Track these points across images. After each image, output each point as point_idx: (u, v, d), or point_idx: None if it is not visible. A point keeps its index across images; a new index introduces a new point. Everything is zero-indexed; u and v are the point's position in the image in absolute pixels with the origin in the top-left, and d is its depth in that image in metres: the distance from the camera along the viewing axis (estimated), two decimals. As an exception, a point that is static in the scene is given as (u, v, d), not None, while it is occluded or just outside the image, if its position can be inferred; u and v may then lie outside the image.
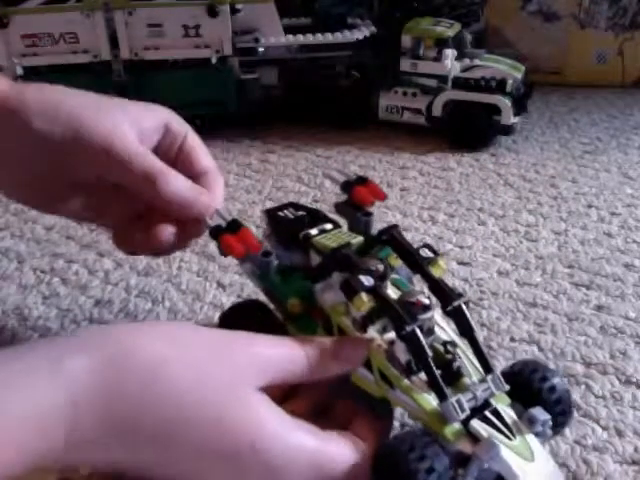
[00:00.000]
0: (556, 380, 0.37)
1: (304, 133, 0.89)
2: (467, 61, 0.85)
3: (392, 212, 0.69)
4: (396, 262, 0.41)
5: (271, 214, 0.46)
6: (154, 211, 0.42)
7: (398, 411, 0.40)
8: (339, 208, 0.46)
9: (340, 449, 0.34)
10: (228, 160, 0.82)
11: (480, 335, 0.49)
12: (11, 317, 0.53)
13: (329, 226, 0.43)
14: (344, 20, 0.93)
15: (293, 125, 0.91)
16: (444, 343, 0.37)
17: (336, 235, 0.42)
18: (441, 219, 0.68)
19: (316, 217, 0.45)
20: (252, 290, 0.56)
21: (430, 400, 0.35)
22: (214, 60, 0.84)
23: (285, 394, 0.37)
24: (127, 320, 0.53)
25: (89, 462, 0.32)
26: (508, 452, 0.33)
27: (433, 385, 0.35)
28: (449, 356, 0.36)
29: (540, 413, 0.35)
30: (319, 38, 0.87)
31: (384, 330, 0.38)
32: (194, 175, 0.43)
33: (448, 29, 0.85)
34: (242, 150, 0.85)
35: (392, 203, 0.71)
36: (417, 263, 0.39)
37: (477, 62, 0.85)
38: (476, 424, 0.34)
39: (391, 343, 0.37)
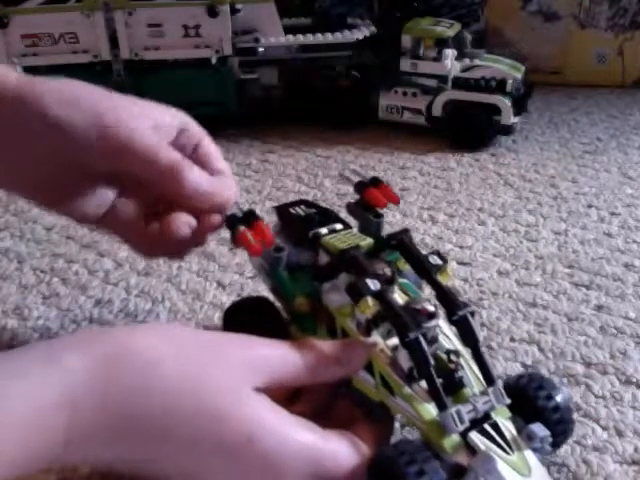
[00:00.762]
0: (560, 399, 0.37)
1: (304, 133, 0.89)
2: (467, 61, 0.85)
3: (392, 212, 0.69)
4: (405, 266, 0.41)
5: (282, 211, 0.46)
6: (170, 208, 0.42)
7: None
8: (351, 208, 0.46)
9: (340, 447, 0.34)
10: (228, 160, 0.81)
11: (480, 335, 0.49)
12: (11, 317, 0.53)
13: (339, 226, 0.43)
14: (344, 20, 0.93)
15: (293, 125, 0.91)
16: (447, 352, 0.37)
17: (346, 236, 0.42)
18: (441, 219, 0.68)
19: (327, 216, 0.44)
20: (252, 289, 0.56)
21: (430, 409, 0.35)
22: (214, 60, 0.84)
23: (288, 398, 0.37)
24: (127, 320, 0.53)
25: (88, 460, 0.32)
26: (505, 466, 0.33)
27: (433, 394, 0.34)
28: (452, 365, 0.36)
29: (539, 429, 0.35)
30: (319, 38, 0.87)
31: (388, 334, 0.38)
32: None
33: (448, 29, 0.85)
34: (242, 150, 0.85)
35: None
36: (425, 270, 0.39)
37: (477, 62, 0.85)
38: (474, 436, 0.34)
39: (394, 349, 0.37)
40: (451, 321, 0.37)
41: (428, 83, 0.85)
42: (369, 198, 0.45)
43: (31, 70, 0.81)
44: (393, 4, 0.99)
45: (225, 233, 0.42)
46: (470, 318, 0.37)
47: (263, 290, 0.48)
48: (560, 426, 0.37)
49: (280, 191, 0.74)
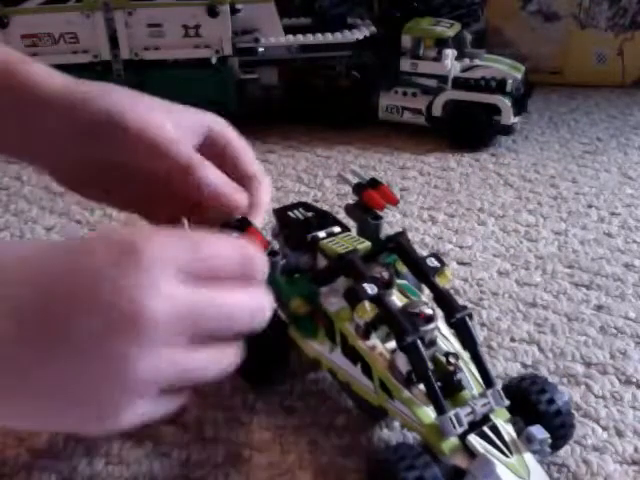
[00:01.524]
0: (561, 402, 0.37)
1: (304, 133, 0.89)
2: (467, 61, 0.84)
3: (392, 212, 0.69)
4: (403, 268, 0.41)
5: (280, 214, 0.46)
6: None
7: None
8: (349, 210, 0.46)
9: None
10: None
11: (480, 335, 0.49)
12: (11, 317, 0.53)
13: (337, 229, 0.43)
14: (344, 20, 0.93)
15: (293, 125, 0.91)
16: (446, 354, 0.37)
17: (344, 239, 0.42)
18: (441, 219, 0.68)
19: (325, 219, 0.44)
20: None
21: (429, 413, 0.35)
22: (214, 60, 0.84)
23: None
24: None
25: None
26: (503, 469, 0.33)
27: (432, 398, 0.35)
28: (450, 368, 0.36)
29: (539, 432, 0.35)
30: (319, 38, 0.87)
31: (387, 337, 0.38)
32: (238, 180, 0.42)
33: (448, 29, 0.85)
34: (242, 150, 0.85)
35: (392, 203, 0.71)
36: (423, 273, 0.39)
37: (477, 62, 0.84)
38: (473, 439, 0.34)
39: (393, 352, 0.37)
40: (449, 324, 0.37)
41: (428, 83, 0.85)
42: (367, 200, 0.45)
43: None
44: (393, 4, 0.99)
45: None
46: (468, 321, 0.37)
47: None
48: (560, 429, 0.37)
49: (280, 191, 0.74)
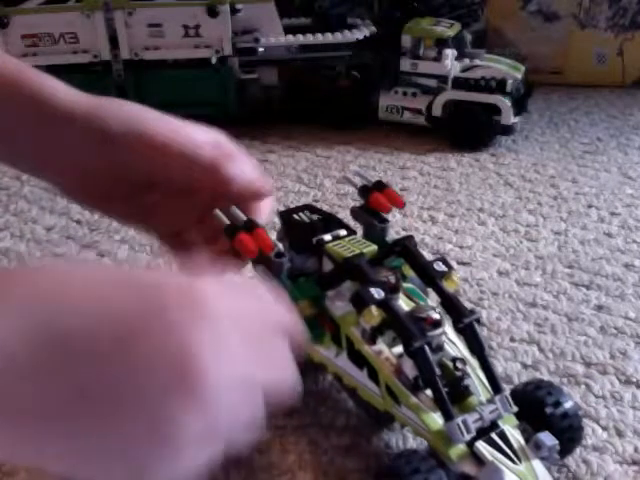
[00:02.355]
0: (568, 406, 0.37)
1: (304, 133, 0.89)
2: (467, 61, 0.84)
3: (392, 212, 0.69)
4: (410, 271, 0.40)
5: (286, 216, 0.45)
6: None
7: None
8: (355, 213, 0.46)
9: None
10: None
11: (486, 342, 0.49)
12: (11, 317, 0.53)
13: (343, 232, 0.43)
14: (344, 20, 0.93)
15: (293, 125, 0.91)
16: (454, 359, 0.36)
17: (350, 243, 0.41)
18: (441, 219, 0.68)
19: (331, 222, 0.44)
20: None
21: (436, 419, 0.35)
22: (214, 60, 0.84)
23: None
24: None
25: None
26: (512, 477, 0.33)
27: (439, 404, 0.34)
28: (458, 373, 0.36)
29: (547, 438, 0.35)
30: (319, 38, 0.87)
31: (393, 342, 0.38)
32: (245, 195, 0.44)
33: (448, 29, 0.85)
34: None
35: (392, 203, 0.71)
36: (430, 276, 0.39)
37: (477, 62, 0.84)
38: (481, 446, 0.34)
39: (399, 357, 0.37)
40: (457, 329, 0.37)
41: (428, 83, 0.85)
42: (374, 203, 0.44)
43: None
44: (393, 4, 0.99)
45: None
46: (476, 326, 0.37)
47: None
48: (569, 433, 0.37)
49: (280, 191, 0.74)
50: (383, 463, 0.35)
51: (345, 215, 0.48)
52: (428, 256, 0.60)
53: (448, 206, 0.70)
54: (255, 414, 0.30)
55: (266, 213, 0.42)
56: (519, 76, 0.84)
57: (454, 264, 0.59)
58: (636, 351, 0.48)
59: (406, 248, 0.40)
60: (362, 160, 0.82)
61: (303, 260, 0.43)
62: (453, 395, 0.35)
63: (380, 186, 0.45)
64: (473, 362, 0.37)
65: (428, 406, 0.35)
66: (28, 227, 0.66)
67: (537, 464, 0.34)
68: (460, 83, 0.82)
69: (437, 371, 0.35)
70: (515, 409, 0.36)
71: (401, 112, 0.87)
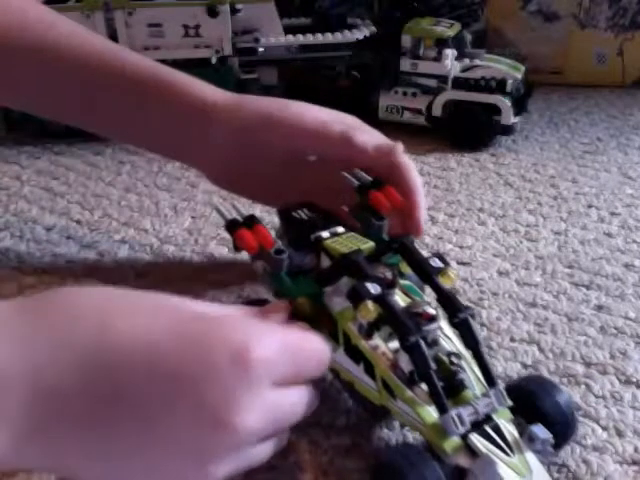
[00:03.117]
0: (562, 400, 0.37)
1: (304, 133, 0.89)
2: (467, 61, 0.84)
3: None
4: (407, 269, 0.41)
5: (284, 214, 0.46)
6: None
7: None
8: (353, 211, 0.46)
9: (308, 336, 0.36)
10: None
11: (481, 337, 0.49)
12: (11, 317, 0.53)
13: (341, 229, 0.43)
14: (344, 20, 0.93)
15: (293, 125, 0.91)
16: (449, 354, 0.37)
17: (347, 239, 0.42)
18: (441, 219, 0.68)
19: (329, 219, 0.44)
20: (251, 290, 0.56)
21: (431, 412, 0.35)
22: (214, 60, 0.84)
23: None
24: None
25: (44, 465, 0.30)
26: (505, 469, 0.33)
27: (434, 397, 0.35)
28: (453, 368, 0.36)
29: (541, 431, 0.35)
30: (319, 38, 0.87)
31: (389, 337, 0.38)
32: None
33: (448, 29, 0.85)
34: (242, 150, 0.85)
35: (392, 203, 0.71)
36: (426, 273, 0.39)
37: (477, 62, 0.84)
38: (475, 439, 0.34)
39: (395, 352, 0.37)
40: (452, 324, 0.37)
41: (428, 83, 0.85)
42: (374, 202, 0.45)
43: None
44: (393, 4, 0.99)
45: (224, 234, 0.42)
46: (471, 320, 0.37)
47: (263, 292, 0.48)
48: (562, 426, 0.37)
49: (280, 191, 0.74)
50: (379, 458, 0.35)
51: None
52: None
53: (448, 206, 0.70)
54: (279, 445, 0.35)
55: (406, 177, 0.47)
56: (519, 76, 0.84)
57: (454, 264, 0.59)
58: (636, 351, 0.48)
59: (403, 245, 0.41)
60: (362, 160, 0.82)
61: (301, 257, 0.43)
62: (448, 389, 0.35)
63: (378, 184, 0.45)
64: (468, 357, 0.38)
65: (423, 400, 0.36)
66: (28, 227, 0.66)
67: (531, 457, 0.34)
68: (460, 83, 0.82)
69: (432, 365, 0.35)
70: (509, 403, 0.36)
71: (401, 112, 0.87)
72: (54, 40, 0.50)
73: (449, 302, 0.38)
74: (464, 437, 0.34)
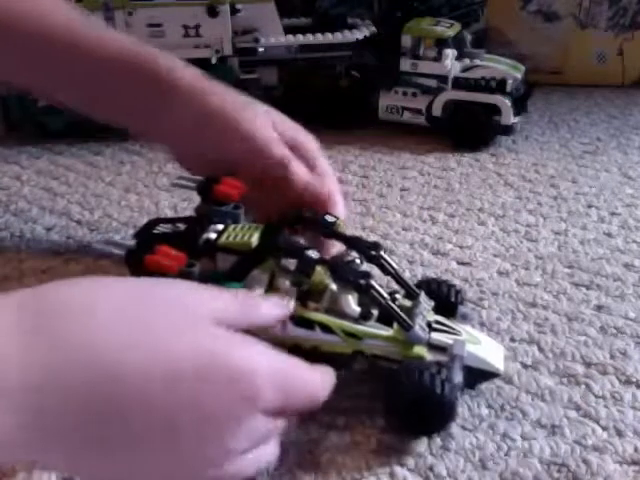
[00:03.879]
0: (457, 289, 0.47)
1: (304, 133, 0.89)
2: (467, 61, 0.85)
3: (392, 212, 0.69)
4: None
5: (144, 235, 0.46)
6: None
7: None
8: (200, 210, 0.48)
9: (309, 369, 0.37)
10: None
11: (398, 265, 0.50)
12: (11, 317, 0.53)
13: (220, 226, 0.44)
14: (344, 20, 0.93)
15: (293, 125, 0.91)
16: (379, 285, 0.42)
17: (237, 231, 0.44)
18: (441, 219, 0.68)
19: (198, 223, 0.45)
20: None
21: (395, 334, 0.41)
22: (214, 60, 0.84)
23: None
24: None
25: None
26: (468, 345, 0.41)
27: (397, 319, 0.40)
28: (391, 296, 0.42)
29: (467, 310, 0.47)
30: (319, 38, 0.87)
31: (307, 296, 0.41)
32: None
33: (448, 29, 0.85)
34: (242, 150, 0.85)
35: (392, 203, 0.71)
36: (325, 228, 0.45)
37: (477, 62, 0.85)
38: (435, 336, 0.41)
39: (333, 303, 0.41)
40: (368, 259, 0.43)
41: (428, 83, 0.85)
42: (220, 194, 0.46)
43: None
44: (393, 4, 0.99)
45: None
46: (383, 253, 0.43)
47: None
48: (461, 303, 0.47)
49: (280, 191, 0.74)
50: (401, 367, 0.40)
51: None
52: (424, 256, 0.60)
53: (448, 206, 0.70)
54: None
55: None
56: (519, 76, 0.84)
57: (454, 264, 0.59)
58: (636, 351, 0.48)
59: (300, 215, 0.46)
60: (362, 160, 0.82)
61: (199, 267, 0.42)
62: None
63: (217, 180, 0.47)
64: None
65: (380, 328, 0.41)
66: (28, 227, 0.66)
67: (472, 330, 0.44)
68: (460, 83, 0.82)
69: (386, 295, 0.40)
70: (432, 303, 0.44)
71: (401, 112, 0.87)
72: (21, 10, 0.51)
73: (359, 245, 0.43)
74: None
